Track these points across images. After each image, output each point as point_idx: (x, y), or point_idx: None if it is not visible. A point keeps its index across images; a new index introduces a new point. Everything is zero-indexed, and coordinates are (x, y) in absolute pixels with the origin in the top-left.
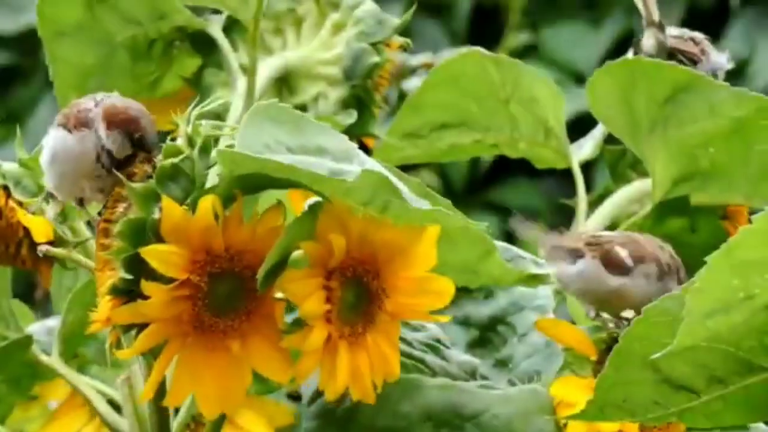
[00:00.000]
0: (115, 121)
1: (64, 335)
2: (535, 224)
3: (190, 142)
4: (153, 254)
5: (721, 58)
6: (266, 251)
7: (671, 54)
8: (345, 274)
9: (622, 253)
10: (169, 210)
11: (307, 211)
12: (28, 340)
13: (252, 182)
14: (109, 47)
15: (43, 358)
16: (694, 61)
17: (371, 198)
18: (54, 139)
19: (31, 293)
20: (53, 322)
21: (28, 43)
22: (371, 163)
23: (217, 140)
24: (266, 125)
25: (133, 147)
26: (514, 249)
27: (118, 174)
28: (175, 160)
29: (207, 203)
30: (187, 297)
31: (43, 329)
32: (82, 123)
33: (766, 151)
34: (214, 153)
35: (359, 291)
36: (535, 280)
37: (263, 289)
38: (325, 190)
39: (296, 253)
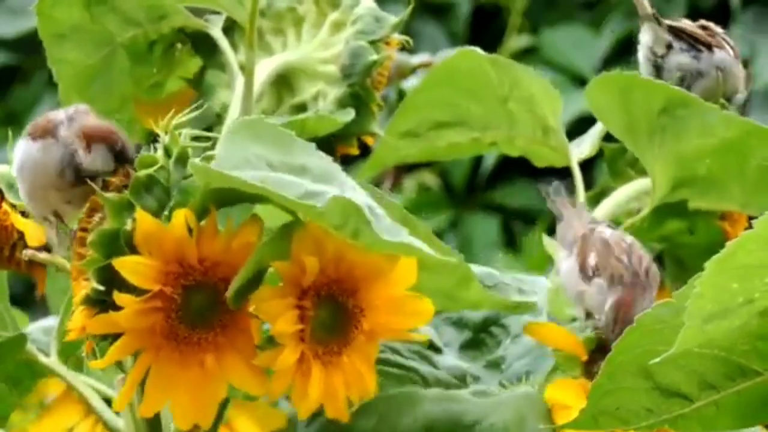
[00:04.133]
0: (95, 136)
1: (62, 336)
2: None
3: (167, 153)
4: (125, 265)
5: (726, 56)
6: (241, 265)
7: (669, 45)
8: (319, 294)
9: (591, 261)
10: (143, 220)
11: (280, 230)
12: (22, 338)
13: (227, 196)
14: (110, 48)
15: (42, 358)
16: (707, 45)
17: (342, 223)
18: (20, 150)
19: (30, 294)
20: (50, 323)
21: (28, 43)
22: (351, 186)
23: (204, 149)
24: (248, 140)
25: (115, 161)
26: (498, 275)
27: (92, 184)
28: (150, 170)
29: (181, 215)
30: (159, 308)
31: (41, 330)
32: (47, 132)
33: (760, 167)
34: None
35: (335, 310)
36: (518, 308)
37: (235, 305)
38: (297, 211)
39: (272, 270)
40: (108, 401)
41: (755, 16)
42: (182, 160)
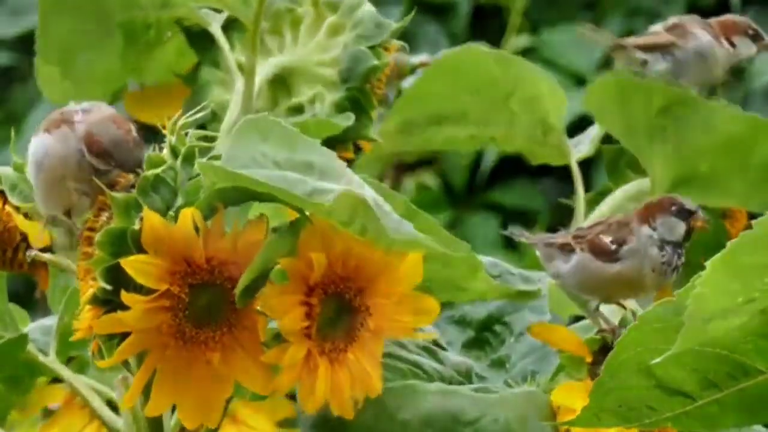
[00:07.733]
0: (94, 149)
1: (61, 335)
2: (528, 229)
3: (174, 153)
4: (132, 264)
5: (700, 42)
6: (248, 264)
7: (644, 62)
8: (326, 291)
9: (606, 239)
10: (150, 220)
11: (288, 227)
12: (23, 338)
13: (234, 195)
14: (106, 27)
15: (41, 358)
16: (670, 45)
17: (350, 219)
18: (36, 145)
19: (30, 293)
20: (50, 322)
21: (28, 43)
22: (357, 184)
23: (206, 150)
24: (255, 139)
25: (114, 167)
26: (502, 264)
27: (99, 182)
28: (158, 170)
29: (187, 214)
30: (167, 308)
31: (40, 329)
32: (63, 122)
33: (762, 164)
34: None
35: (341, 307)
36: (523, 296)
37: (242, 303)
38: (305, 209)
39: (278, 268)
40: (109, 402)
41: (755, 16)
42: (189, 159)
